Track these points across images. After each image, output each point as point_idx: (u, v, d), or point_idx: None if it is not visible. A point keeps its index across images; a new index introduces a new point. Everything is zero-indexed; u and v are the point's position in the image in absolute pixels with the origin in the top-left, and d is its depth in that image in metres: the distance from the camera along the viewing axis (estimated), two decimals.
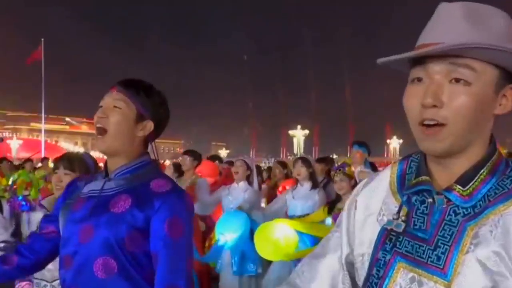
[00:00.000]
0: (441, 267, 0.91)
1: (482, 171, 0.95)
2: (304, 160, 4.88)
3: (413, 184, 1.00)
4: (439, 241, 0.93)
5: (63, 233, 1.66)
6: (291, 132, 62.57)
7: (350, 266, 1.11)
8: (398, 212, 1.00)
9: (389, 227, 0.99)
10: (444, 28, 0.92)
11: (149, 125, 1.69)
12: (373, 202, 1.07)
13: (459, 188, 0.94)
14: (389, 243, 0.98)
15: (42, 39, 19.38)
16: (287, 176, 6.50)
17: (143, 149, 1.73)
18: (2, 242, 2.66)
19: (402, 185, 1.03)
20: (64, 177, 2.51)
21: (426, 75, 0.94)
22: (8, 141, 38.13)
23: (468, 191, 0.94)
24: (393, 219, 0.99)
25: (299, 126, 61.60)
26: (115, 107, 1.65)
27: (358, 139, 6.15)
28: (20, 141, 40.56)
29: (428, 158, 1.01)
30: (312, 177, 4.80)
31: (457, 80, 0.91)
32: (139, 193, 1.58)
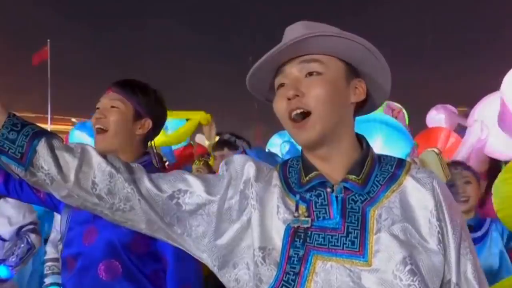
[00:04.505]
0: (357, 250, 0.99)
1: (367, 161, 1.08)
2: None
3: (306, 182, 1.07)
4: (349, 227, 1.01)
5: (66, 233, 1.66)
6: None
7: (196, 206, 1.08)
8: (297, 210, 1.05)
9: (295, 225, 1.03)
10: (288, 37, 1.07)
11: (147, 123, 1.71)
12: (268, 199, 1.08)
13: (354, 178, 1.05)
14: (299, 239, 1.01)
15: (48, 40, 19.41)
16: None
17: (143, 149, 1.75)
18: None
19: (289, 187, 1.09)
20: None
21: (286, 78, 1.08)
22: None
23: (362, 179, 1.05)
24: (295, 217, 1.04)
25: None
26: (113, 107, 1.66)
27: None
28: None
29: (311, 158, 1.09)
30: None
31: (310, 74, 1.06)
32: None
